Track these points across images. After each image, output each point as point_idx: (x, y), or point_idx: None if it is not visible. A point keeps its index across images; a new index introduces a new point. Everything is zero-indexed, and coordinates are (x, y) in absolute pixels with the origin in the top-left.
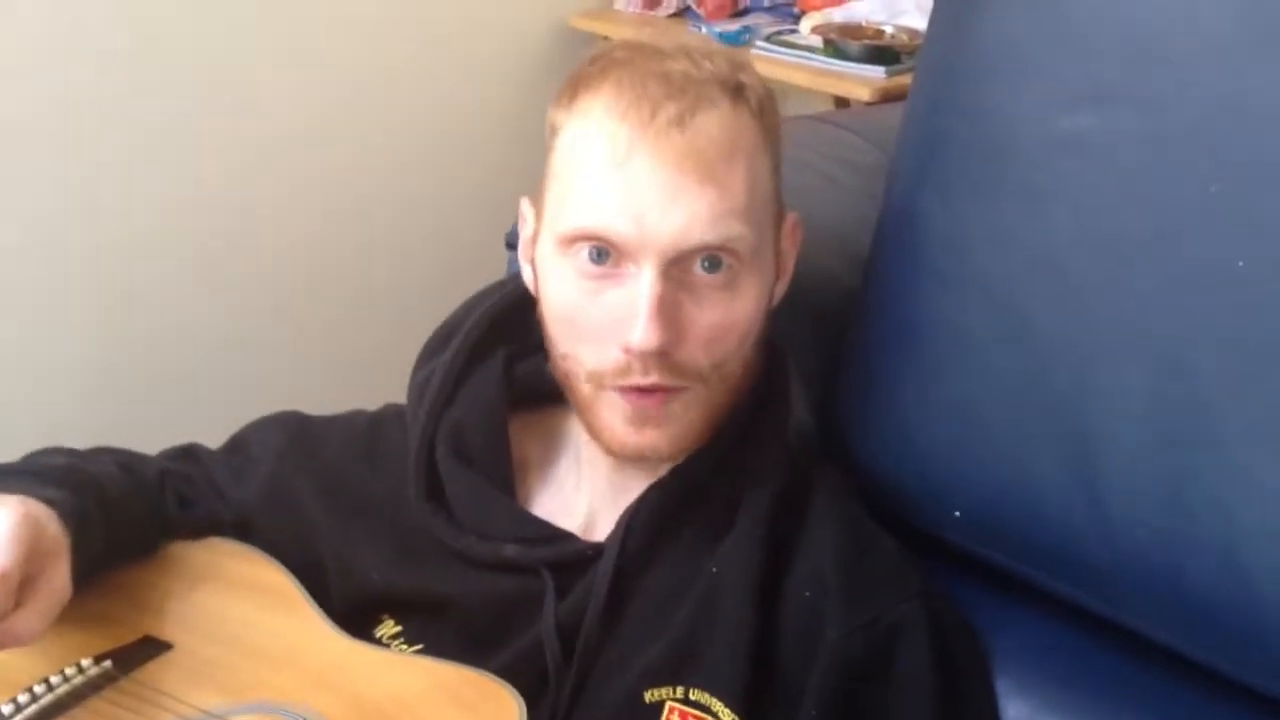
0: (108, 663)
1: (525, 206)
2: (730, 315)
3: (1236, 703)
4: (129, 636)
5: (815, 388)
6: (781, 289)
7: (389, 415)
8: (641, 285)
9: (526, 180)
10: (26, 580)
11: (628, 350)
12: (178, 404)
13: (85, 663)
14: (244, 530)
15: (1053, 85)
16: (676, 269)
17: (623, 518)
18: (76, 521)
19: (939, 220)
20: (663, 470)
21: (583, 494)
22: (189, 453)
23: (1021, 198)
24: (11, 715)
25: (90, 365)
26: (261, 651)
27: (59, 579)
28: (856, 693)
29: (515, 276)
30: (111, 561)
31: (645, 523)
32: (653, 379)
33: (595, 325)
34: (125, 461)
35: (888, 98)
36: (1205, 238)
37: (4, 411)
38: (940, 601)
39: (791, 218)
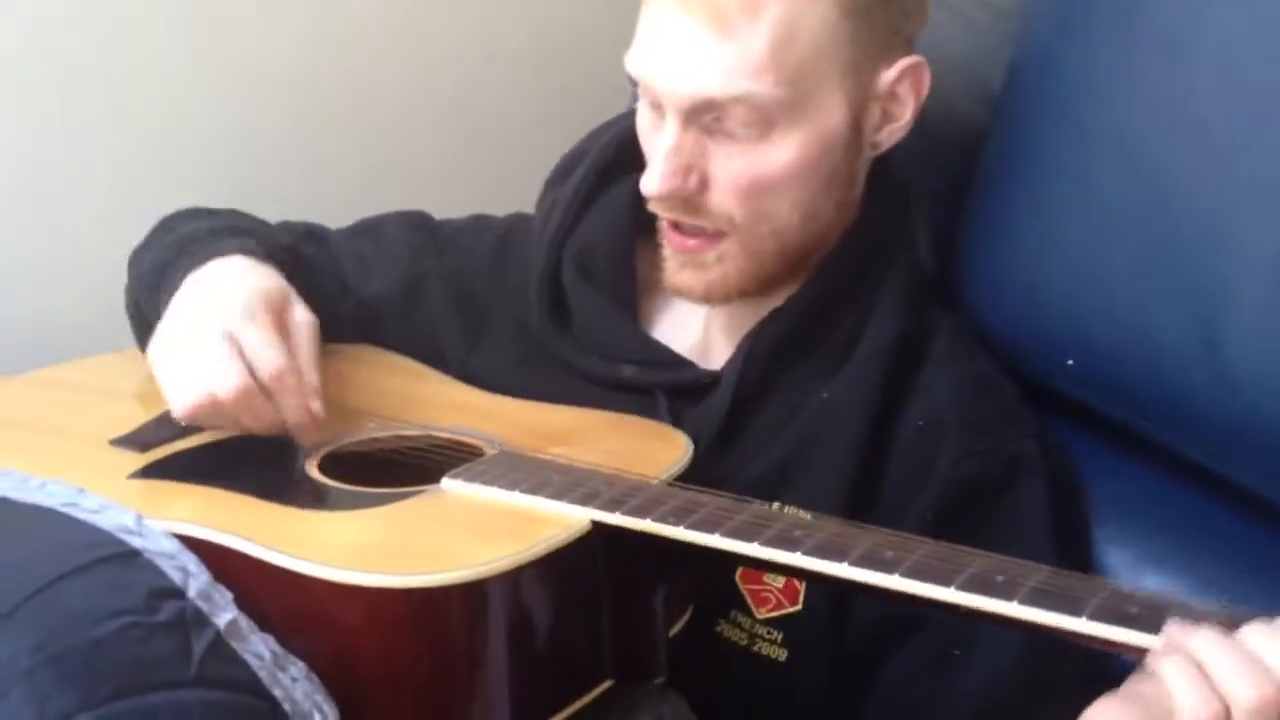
0: None
1: None
2: (759, 167)
3: None
4: None
5: (938, 229)
6: (892, 134)
7: (519, 229)
8: (665, 133)
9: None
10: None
11: (645, 192)
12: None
13: None
14: (365, 323)
15: None
16: (708, 117)
17: (741, 345)
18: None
19: (1075, 65)
20: (777, 301)
21: (701, 320)
22: (313, 234)
23: (1164, 45)
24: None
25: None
26: (407, 395)
27: (302, 312)
28: (969, 515)
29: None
30: None
31: (764, 352)
32: (674, 216)
33: (648, 158)
34: (260, 231)
35: None
36: None
37: None
38: (1054, 449)
39: (908, 62)
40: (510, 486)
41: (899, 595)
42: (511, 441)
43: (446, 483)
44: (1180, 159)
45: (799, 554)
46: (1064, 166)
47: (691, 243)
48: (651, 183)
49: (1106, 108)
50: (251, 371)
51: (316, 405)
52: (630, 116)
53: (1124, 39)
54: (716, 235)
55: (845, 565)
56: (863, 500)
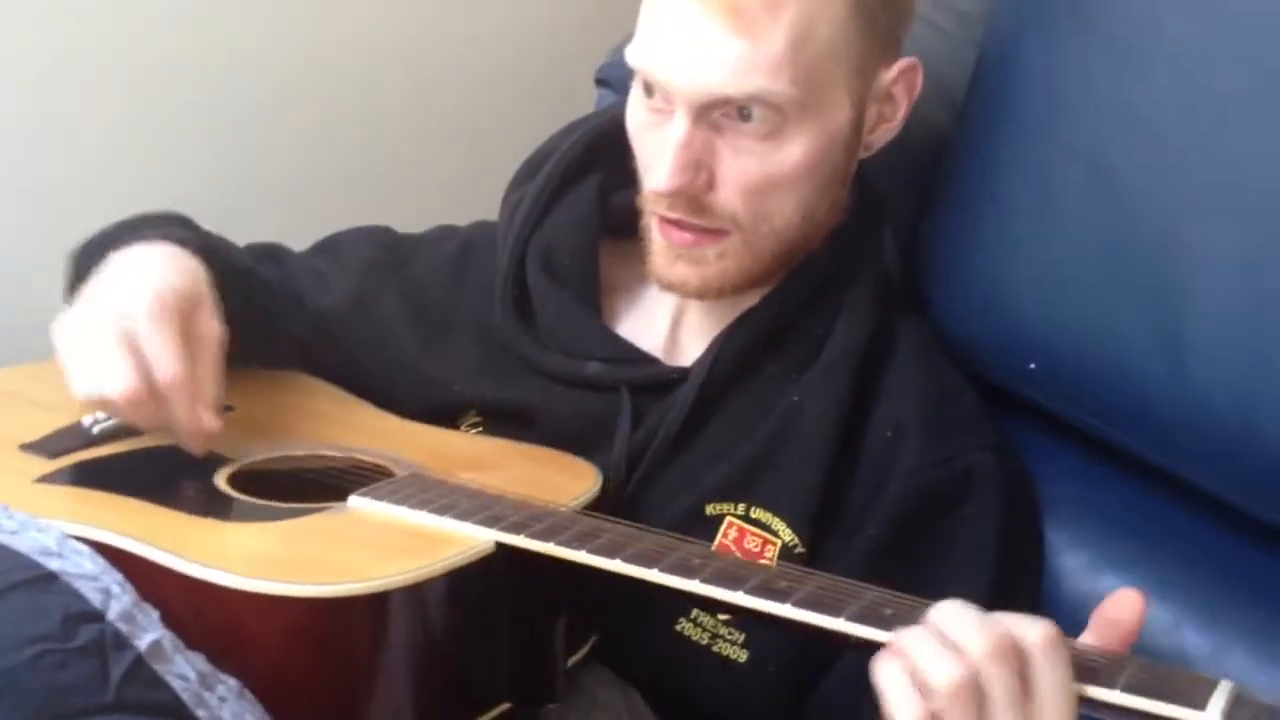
0: None
1: None
2: (768, 166)
3: None
4: None
5: (901, 232)
6: (885, 134)
7: (480, 236)
8: (673, 128)
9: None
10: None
11: (653, 190)
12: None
13: None
14: (322, 337)
15: None
16: (716, 114)
17: (713, 345)
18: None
19: (1035, 71)
20: (751, 300)
21: (667, 318)
22: (273, 254)
23: (1120, 51)
24: (91, 425)
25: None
26: (325, 418)
27: (210, 322)
28: (920, 524)
29: (609, 109)
30: None
31: (734, 352)
32: (678, 214)
33: (648, 154)
34: (220, 248)
35: None
36: None
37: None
38: (1011, 460)
39: (904, 64)
40: (417, 506)
41: (790, 624)
42: (424, 466)
43: (353, 500)
44: (1138, 164)
45: (697, 581)
46: (1025, 171)
47: (690, 237)
48: (660, 178)
49: (1065, 113)
50: (147, 375)
51: (208, 419)
52: (598, 116)
53: (1081, 44)
54: (718, 232)
55: (740, 593)
56: (831, 504)
